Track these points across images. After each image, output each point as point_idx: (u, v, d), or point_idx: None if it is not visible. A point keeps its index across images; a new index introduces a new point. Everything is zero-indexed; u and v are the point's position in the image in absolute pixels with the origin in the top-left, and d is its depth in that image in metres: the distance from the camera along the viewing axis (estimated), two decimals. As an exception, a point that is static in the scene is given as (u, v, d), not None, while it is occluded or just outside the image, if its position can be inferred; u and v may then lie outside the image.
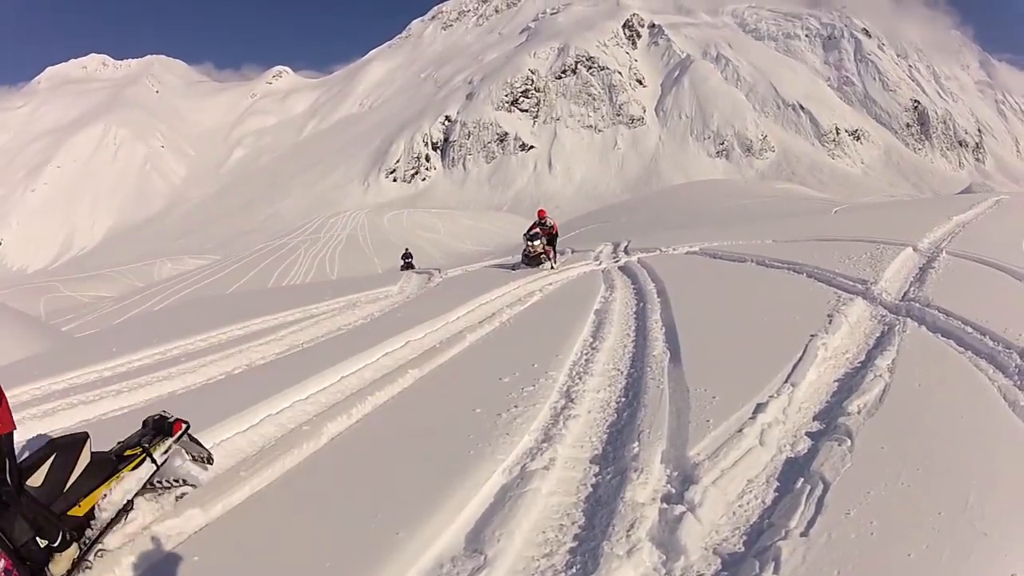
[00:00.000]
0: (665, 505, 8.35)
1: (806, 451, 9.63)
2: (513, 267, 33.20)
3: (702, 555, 7.65)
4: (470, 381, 13.40)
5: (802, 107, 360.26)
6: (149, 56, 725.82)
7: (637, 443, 9.84)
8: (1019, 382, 12.25)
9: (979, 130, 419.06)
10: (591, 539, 8.03)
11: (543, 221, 34.25)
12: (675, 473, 9.09)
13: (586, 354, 14.66)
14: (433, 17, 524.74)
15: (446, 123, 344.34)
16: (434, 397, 12.70)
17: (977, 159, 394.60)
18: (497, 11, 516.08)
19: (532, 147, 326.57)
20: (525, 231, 34.24)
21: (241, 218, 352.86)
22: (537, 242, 32.63)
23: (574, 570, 7.54)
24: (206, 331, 18.85)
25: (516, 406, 11.49)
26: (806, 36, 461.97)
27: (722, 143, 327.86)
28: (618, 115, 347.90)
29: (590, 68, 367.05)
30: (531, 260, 32.39)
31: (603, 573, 7.23)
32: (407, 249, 45.73)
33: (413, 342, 16.66)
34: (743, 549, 7.72)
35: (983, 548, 7.26)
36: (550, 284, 24.97)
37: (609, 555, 7.47)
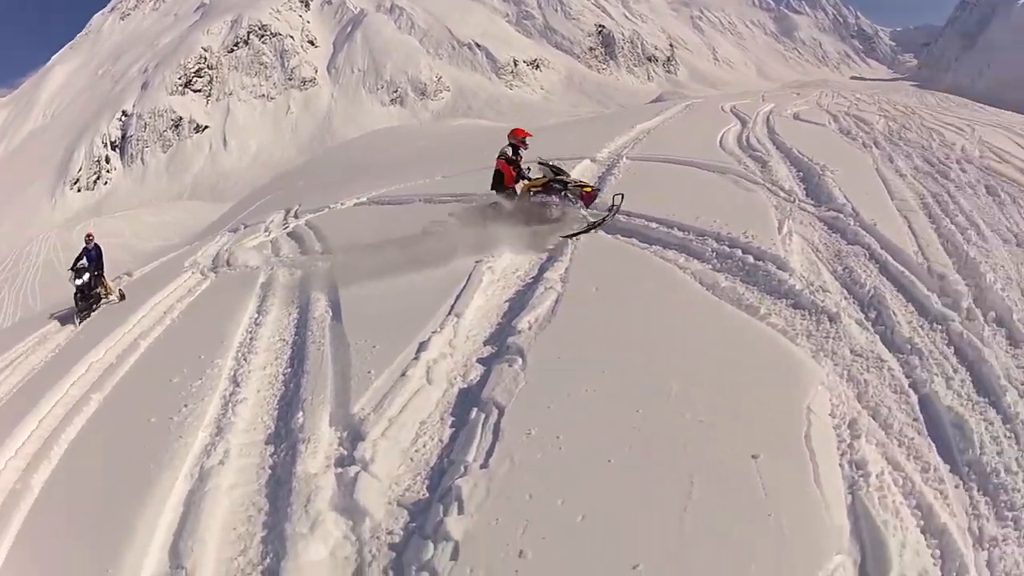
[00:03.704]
0: (340, 469, 8.15)
1: (478, 379, 9.47)
2: None
3: (387, 511, 7.45)
4: (145, 390, 12.77)
5: (478, 45, 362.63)
6: None
7: (302, 412, 9.56)
8: (718, 265, 12.70)
9: (671, 45, 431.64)
10: (278, 524, 7.75)
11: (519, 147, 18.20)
12: (345, 434, 8.87)
13: (251, 332, 14.30)
14: (113, 8, 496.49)
15: (123, 119, 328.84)
16: (116, 417, 12.06)
17: (668, 71, 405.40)
18: None
19: (207, 127, 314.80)
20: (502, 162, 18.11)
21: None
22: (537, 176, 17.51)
23: (268, 560, 7.34)
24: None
25: (187, 405, 11.04)
26: None
27: (396, 91, 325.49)
28: (290, 80, 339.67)
29: (262, 36, 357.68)
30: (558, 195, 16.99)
31: (292, 557, 7.05)
32: (80, 263, 23.33)
33: (95, 363, 15.48)
34: (427, 495, 7.55)
35: (705, 436, 7.31)
36: (219, 268, 22.68)
37: (294, 536, 7.28)
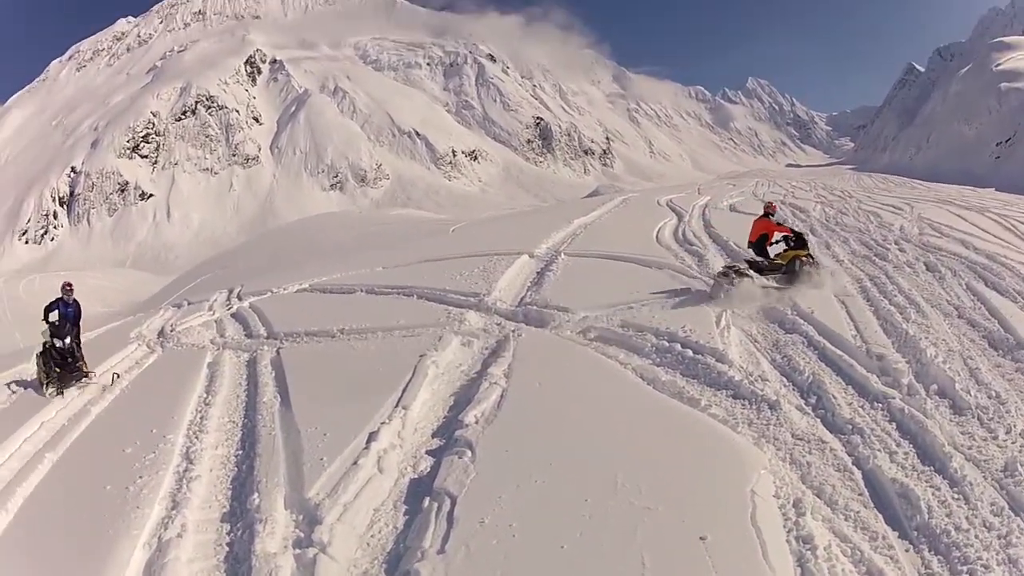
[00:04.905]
0: (298, 551, 8.05)
1: (428, 469, 9.56)
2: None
3: (347, 594, 7.36)
4: (98, 457, 12.50)
5: (418, 133, 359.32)
6: None
7: (257, 494, 9.50)
8: (657, 359, 12.92)
9: (607, 138, 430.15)
10: (239, 602, 7.58)
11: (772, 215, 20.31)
12: (300, 516, 8.81)
13: (201, 411, 14.08)
14: (70, 57, 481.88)
15: (72, 175, 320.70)
16: (70, 479, 11.81)
17: (605, 164, 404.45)
18: (129, 50, 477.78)
19: (151, 195, 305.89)
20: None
21: None
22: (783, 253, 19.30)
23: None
24: None
25: (141, 476, 10.85)
26: (428, 64, 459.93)
27: (336, 176, 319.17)
28: (234, 155, 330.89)
29: (209, 108, 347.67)
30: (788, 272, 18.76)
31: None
32: (51, 315, 18.87)
33: (47, 423, 15.16)
34: (386, 579, 7.49)
35: (653, 521, 7.37)
36: (165, 343, 22.08)
37: (258, 612, 7.06)
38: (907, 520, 7.56)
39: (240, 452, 11.64)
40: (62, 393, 16.75)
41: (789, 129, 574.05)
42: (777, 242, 19.48)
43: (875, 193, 55.22)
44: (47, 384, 17.07)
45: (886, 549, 7.11)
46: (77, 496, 10.84)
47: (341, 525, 8.27)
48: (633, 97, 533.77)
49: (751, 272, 18.11)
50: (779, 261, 18.80)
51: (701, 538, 7.00)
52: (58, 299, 18.31)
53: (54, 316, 18.10)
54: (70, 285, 18.73)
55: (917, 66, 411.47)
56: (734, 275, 17.71)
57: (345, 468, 9.62)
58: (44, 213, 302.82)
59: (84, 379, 17.50)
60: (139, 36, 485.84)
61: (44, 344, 17.87)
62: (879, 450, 8.89)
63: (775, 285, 18.07)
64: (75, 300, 18.53)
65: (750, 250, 19.77)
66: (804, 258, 18.68)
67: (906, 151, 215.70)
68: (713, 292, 17.69)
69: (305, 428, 11.36)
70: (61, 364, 17.39)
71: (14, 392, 17.61)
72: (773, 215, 20.19)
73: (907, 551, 7.13)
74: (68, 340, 17.83)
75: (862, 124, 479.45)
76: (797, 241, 19.22)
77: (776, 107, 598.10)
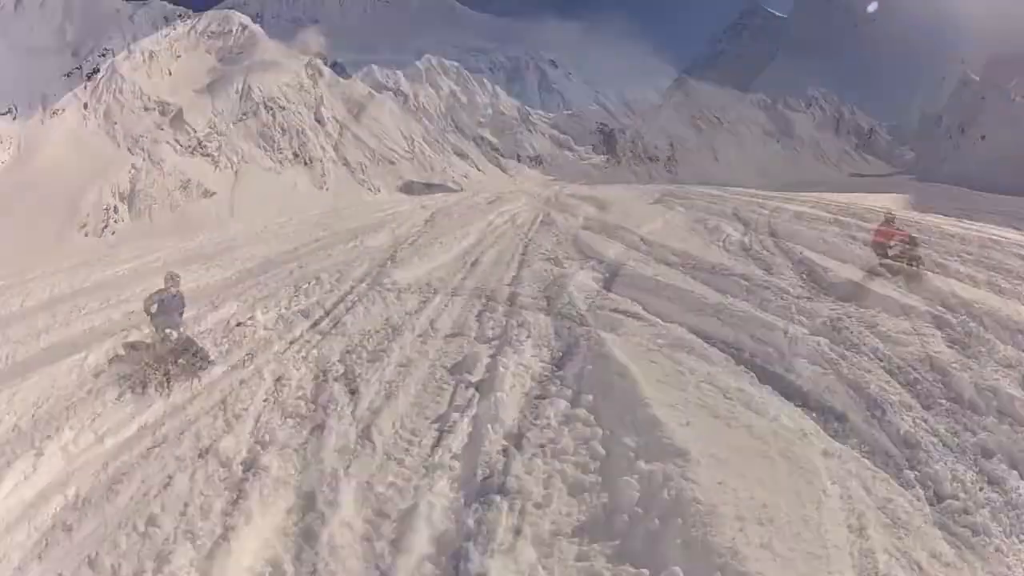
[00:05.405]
0: None
1: None
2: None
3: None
4: None
5: (482, 137, 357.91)
6: None
7: None
8: (726, 368, 13.00)
9: (671, 144, 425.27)
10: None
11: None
12: None
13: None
14: (129, 55, 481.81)
15: (132, 171, 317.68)
16: None
17: (669, 171, 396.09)
18: (187, 50, 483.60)
19: (214, 193, 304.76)
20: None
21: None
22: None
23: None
24: None
25: None
26: (490, 69, 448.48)
27: (400, 178, 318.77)
28: (296, 155, 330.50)
29: (271, 109, 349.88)
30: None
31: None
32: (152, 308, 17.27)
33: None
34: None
35: None
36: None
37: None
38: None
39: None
40: (198, 377, 15.59)
41: (851, 138, 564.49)
42: (895, 245, 23.55)
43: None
44: (166, 383, 15.39)
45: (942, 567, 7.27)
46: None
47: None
48: (696, 104, 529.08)
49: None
50: (901, 259, 23.12)
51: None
52: (160, 290, 17.07)
53: (155, 309, 16.73)
54: (175, 274, 17.75)
55: (973, 76, 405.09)
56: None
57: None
58: (105, 208, 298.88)
59: (209, 364, 16.43)
60: (198, 36, 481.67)
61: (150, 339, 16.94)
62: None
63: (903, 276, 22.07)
64: (179, 292, 17.40)
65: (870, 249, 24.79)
66: (919, 256, 23.00)
67: (966, 161, 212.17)
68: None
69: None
70: (184, 354, 16.24)
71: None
72: (893, 222, 24.73)
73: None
74: (182, 329, 16.96)
75: (923, 133, 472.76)
76: (911, 243, 23.33)
77: (838, 116, 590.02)
